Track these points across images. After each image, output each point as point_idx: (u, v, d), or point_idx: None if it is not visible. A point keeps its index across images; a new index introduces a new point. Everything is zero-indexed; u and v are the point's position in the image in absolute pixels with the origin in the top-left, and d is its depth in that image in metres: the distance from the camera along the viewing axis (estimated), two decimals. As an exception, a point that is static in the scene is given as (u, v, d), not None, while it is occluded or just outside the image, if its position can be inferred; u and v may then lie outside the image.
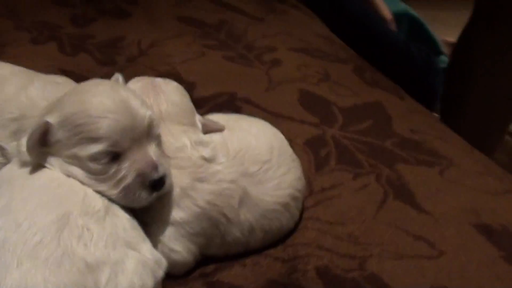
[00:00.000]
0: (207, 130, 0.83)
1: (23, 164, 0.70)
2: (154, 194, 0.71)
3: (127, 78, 0.88)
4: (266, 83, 1.25)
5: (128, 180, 0.69)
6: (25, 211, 0.64)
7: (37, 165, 0.71)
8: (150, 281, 0.66)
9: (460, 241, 0.90)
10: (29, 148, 0.68)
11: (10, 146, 0.77)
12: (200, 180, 0.76)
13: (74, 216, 0.65)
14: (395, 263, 0.83)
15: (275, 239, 0.84)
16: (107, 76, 0.85)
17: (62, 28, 1.45)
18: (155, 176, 0.69)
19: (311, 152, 1.05)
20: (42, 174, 0.70)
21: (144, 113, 0.71)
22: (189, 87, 1.20)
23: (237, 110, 1.14)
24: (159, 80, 0.83)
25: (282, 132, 0.93)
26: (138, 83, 0.82)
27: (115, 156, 0.69)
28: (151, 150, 0.71)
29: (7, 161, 0.78)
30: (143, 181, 0.69)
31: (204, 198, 0.76)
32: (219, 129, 0.84)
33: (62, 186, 0.69)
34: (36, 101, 0.79)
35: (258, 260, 0.82)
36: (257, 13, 1.65)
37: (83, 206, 0.67)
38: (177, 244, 0.76)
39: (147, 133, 0.71)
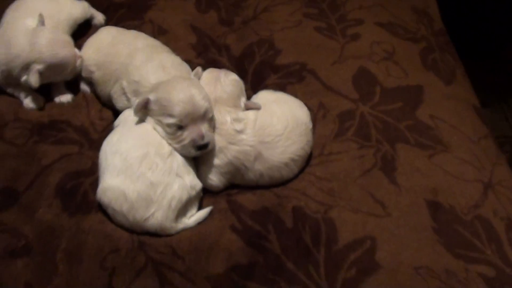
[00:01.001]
0: (248, 108, 1.37)
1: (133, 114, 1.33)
2: (199, 152, 1.30)
3: (237, 39, 1.60)
4: (336, 57, 1.69)
5: (185, 142, 1.29)
6: (127, 146, 1.28)
7: (140, 119, 1.34)
8: (185, 197, 1.27)
9: (407, 210, 1.33)
10: (136, 110, 1.31)
11: (132, 101, 1.41)
12: (231, 143, 1.32)
13: (151, 154, 1.27)
14: (350, 215, 1.32)
15: (278, 183, 1.37)
16: (223, 35, 1.58)
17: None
18: (201, 142, 1.28)
19: (338, 122, 1.51)
20: (141, 125, 1.33)
21: (203, 104, 1.27)
22: (276, 53, 1.70)
23: (301, 79, 1.62)
24: (222, 73, 1.38)
25: (325, 104, 1.47)
26: (208, 74, 1.39)
27: (180, 127, 1.28)
28: (203, 127, 1.28)
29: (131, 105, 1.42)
30: (193, 144, 1.29)
31: (232, 154, 1.32)
32: (256, 108, 1.38)
33: (149, 135, 1.30)
34: (149, 76, 1.40)
35: (263, 192, 1.37)
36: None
37: (157, 149, 1.28)
38: (213, 176, 1.35)
39: (202, 116, 1.28)
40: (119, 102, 1.44)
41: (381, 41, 1.74)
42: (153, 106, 1.29)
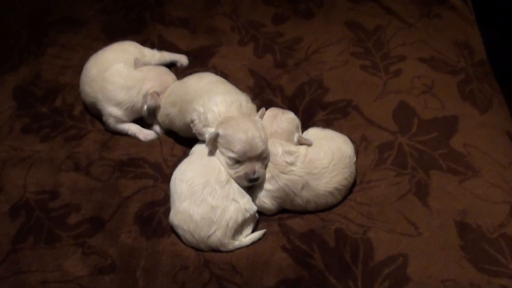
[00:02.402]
0: (300, 143, 1.67)
1: (205, 145, 1.64)
2: (250, 184, 1.60)
3: (290, 79, 1.90)
4: (378, 93, 1.97)
5: (240, 174, 1.61)
6: (192, 174, 1.59)
7: (211, 151, 1.65)
8: (240, 218, 1.57)
9: (437, 230, 1.57)
10: (208, 142, 1.62)
11: (207, 132, 1.67)
12: (282, 172, 1.61)
13: (211, 182, 1.57)
14: (385, 235, 1.58)
15: (324, 208, 1.65)
16: (278, 77, 1.92)
17: (263, 27, 2.30)
18: (252, 176, 1.59)
19: (378, 153, 1.78)
20: (204, 156, 1.64)
21: (260, 146, 1.58)
22: (324, 92, 2.00)
23: (346, 114, 1.91)
24: (281, 112, 1.68)
25: (367, 136, 1.75)
26: (269, 112, 1.70)
27: (237, 161, 1.60)
28: (257, 164, 1.59)
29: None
30: (246, 177, 1.60)
31: (282, 181, 1.61)
32: (307, 144, 1.67)
33: (210, 165, 1.61)
34: (220, 109, 1.67)
35: (311, 217, 1.65)
36: (410, 17, 2.24)
37: (217, 178, 1.59)
38: (266, 200, 1.64)
39: (258, 156, 1.59)
40: (197, 129, 1.69)
41: (421, 76, 2.00)
42: (220, 140, 1.61)
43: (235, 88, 1.78)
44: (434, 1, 2.32)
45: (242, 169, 1.59)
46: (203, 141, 1.66)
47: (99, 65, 1.94)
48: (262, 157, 1.60)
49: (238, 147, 1.57)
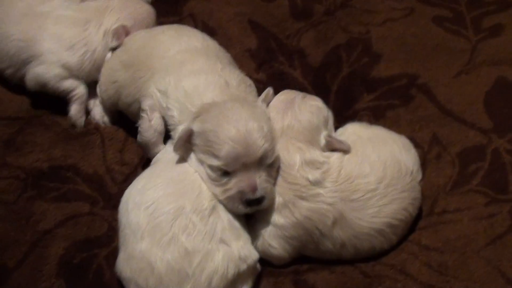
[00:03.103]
0: (331, 148, 1.63)
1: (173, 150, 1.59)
2: (249, 209, 1.57)
3: (317, 39, 1.81)
4: (462, 64, 1.93)
5: (231, 193, 1.57)
6: (155, 195, 1.55)
7: (181, 157, 1.61)
8: (231, 271, 1.54)
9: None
10: (177, 144, 1.58)
11: (179, 130, 1.62)
12: (301, 197, 1.58)
13: (186, 210, 1.53)
14: (469, 302, 1.58)
15: (367, 256, 1.62)
16: (297, 34, 1.82)
17: None
18: (251, 196, 1.54)
19: (459, 165, 1.76)
20: (176, 166, 1.61)
21: (260, 145, 1.54)
22: (372, 61, 1.98)
23: (408, 100, 1.88)
24: (300, 97, 1.64)
25: (440, 137, 1.72)
26: (281, 96, 1.66)
27: (226, 172, 1.56)
28: (257, 175, 1.55)
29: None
30: (242, 197, 1.56)
31: (302, 212, 1.58)
32: (343, 150, 1.62)
33: (185, 181, 1.58)
34: (200, 92, 1.64)
35: (346, 270, 1.62)
36: None
37: (194, 203, 1.55)
38: (274, 241, 1.61)
39: (258, 162, 1.54)
40: (145, 125, 1.70)
41: (534, 36, 1.97)
42: (196, 140, 1.58)
43: (225, 60, 1.78)
44: None
45: (234, 185, 1.57)
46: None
47: None
48: (265, 163, 1.56)
49: (224, 149, 1.54)
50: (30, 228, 1.73)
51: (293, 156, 1.58)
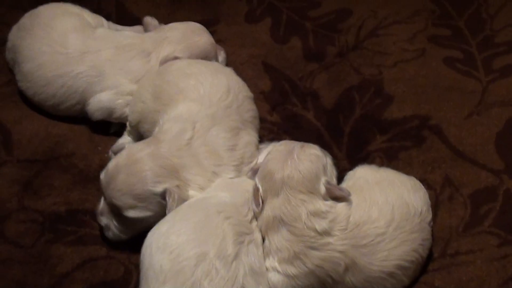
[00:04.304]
0: (331, 195, 1.64)
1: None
2: None
3: (330, 81, 1.88)
4: (474, 105, 1.95)
5: None
6: (178, 241, 1.56)
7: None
8: None
9: None
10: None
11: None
12: (312, 248, 1.59)
13: (210, 256, 1.55)
14: None
15: (379, 300, 1.67)
16: (310, 75, 1.89)
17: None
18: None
19: (471, 207, 1.77)
20: (201, 210, 1.63)
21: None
22: (385, 102, 2.00)
23: (420, 141, 1.89)
24: (298, 146, 1.67)
25: (452, 178, 1.74)
26: (280, 147, 1.69)
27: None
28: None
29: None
30: None
31: (313, 262, 1.59)
32: (342, 197, 1.64)
33: (209, 226, 1.59)
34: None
35: (359, 314, 1.67)
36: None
37: (218, 249, 1.57)
38: (286, 291, 1.63)
39: None
40: None
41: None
42: None
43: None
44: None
45: None
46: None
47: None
48: None
49: None
50: (48, 271, 1.73)
51: (297, 209, 1.59)
